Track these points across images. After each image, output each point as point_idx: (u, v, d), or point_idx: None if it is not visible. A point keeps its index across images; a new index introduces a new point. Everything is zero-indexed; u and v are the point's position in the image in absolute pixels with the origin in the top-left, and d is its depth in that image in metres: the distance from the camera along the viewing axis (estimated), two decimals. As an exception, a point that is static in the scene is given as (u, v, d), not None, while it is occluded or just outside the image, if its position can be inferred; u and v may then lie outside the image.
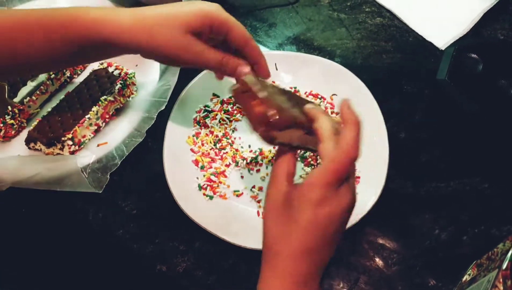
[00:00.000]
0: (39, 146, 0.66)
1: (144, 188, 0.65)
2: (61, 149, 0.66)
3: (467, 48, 0.67)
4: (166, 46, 0.50)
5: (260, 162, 0.66)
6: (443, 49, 0.75)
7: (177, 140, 0.67)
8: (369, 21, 0.80)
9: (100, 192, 0.63)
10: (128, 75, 0.70)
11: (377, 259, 0.59)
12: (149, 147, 0.67)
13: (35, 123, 0.67)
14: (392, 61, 0.75)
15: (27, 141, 0.67)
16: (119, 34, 0.50)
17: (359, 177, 0.63)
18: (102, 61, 0.72)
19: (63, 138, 0.65)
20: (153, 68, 0.73)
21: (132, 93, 0.71)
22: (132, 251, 0.61)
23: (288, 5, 0.83)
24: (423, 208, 0.62)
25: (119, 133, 0.68)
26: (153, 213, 0.64)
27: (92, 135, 0.68)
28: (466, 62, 0.66)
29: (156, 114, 0.66)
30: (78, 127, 0.66)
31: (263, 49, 0.76)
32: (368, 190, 0.61)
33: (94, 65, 0.73)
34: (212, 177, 0.64)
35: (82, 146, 0.67)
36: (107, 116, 0.69)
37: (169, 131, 0.66)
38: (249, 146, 0.67)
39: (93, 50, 0.52)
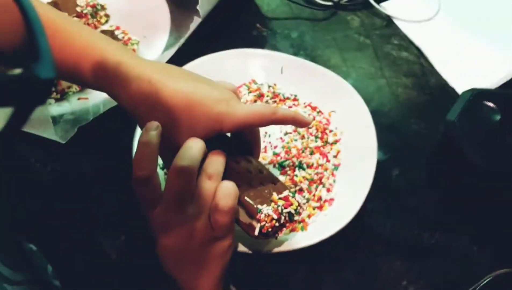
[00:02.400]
0: (23, 86, 0.64)
1: (106, 150, 0.62)
2: (41, 93, 0.63)
3: (486, 95, 0.61)
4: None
5: (235, 158, 0.61)
6: (463, 94, 0.69)
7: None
8: (394, 53, 0.75)
9: (63, 142, 0.60)
10: (130, 41, 0.68)
11: (328, 292, 0.52)
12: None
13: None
14: (406, 97, 0.70)
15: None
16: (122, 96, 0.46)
17: (332, 199, 0.57)
18: (112, 24, 0.71)
19: (45, 82, 0.63)
20: (159, 44, 0.71)
21: (130, 60, 0.69)
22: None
23: (316, 20, 0.80)
24: (396, 254, 0.55)
25: (103, 93, 0.65)
26: (106, 178, 0.60)
27: (78, 90, 0.65)
28: (482, 109, 0.60)
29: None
30: (64, 76, 0.63)
31: (276, 52, 0.74)
32: (337, 213, 0.55)
33: (104, 26, 0.72)
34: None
35: (65, 96, 0.65)
36: (98, 75, 0.66)
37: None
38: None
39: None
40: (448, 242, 0.56)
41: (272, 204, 0.49)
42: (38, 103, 0.26)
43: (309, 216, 0.55)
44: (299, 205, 0.50)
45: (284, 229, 0.51)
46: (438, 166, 0.63)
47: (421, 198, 0.60)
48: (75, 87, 0.65)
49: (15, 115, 0.25)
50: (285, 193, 0.50)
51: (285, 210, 0.49)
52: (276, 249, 0.52)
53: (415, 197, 0.60)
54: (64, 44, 0.46)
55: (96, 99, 0.64)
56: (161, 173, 0.58)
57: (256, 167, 0.51)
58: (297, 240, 0.53)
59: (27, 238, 0.52)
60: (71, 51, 0.46)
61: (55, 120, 0.61)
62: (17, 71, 0.24)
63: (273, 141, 0.63)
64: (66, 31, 0.46)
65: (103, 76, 0.45)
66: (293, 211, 0.50)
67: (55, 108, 0.62)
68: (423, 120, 0.67)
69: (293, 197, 0.50)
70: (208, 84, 0.48)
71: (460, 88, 0.70)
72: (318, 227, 0.54)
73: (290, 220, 0.50)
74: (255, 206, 0.47)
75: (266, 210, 0.48)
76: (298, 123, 0.50)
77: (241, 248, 0.52)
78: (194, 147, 0.44)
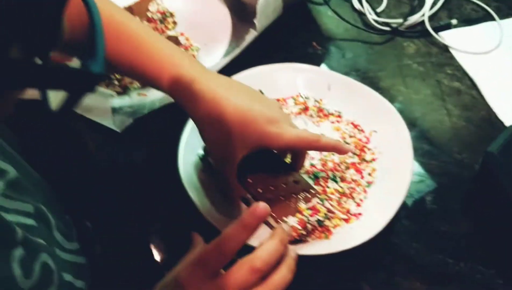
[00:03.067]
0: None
1: (156, 142, 0.67)
2: (107, 86, 0.70)
3: (532, 131, 0.60)
4: (208, 145, 0.54)
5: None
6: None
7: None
8: (445, 82, 0.75)
9: (119, 131, 0.66)
10: (191, 47, 0.74)
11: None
12: (181, 111, 0.69)
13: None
14: (452, 126, 0.70)
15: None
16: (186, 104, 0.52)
17: (360, 214, 0.58)
18: (177, 30, 0.77)
19: (111, 76, 0.69)
20: (218, 52, 0.76)
21: (189, 64, 0.74)
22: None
23: (372, 43, 0.82)
24: (417, 275, 0.56)
25: (160, 92, 0.70)
26: (153, 167, 0.65)
27: (139, 86, 0.72)
28: (525, 144, 0.59)
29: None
30: (129, 73, 0.70)
31: (327, 69, 0.76)
32: (363, 227, 0.56)
33: (171, 32, 0.78)
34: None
35: (126, 91, 0.71)
36: (159, 75, 0.72)
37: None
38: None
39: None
40: (473, 272, 0.55)
41: (298, 214, 0.53)
42: (88, 91, 0.32)
43: (334, 227, 0.57)
44: (328, 211, 0.53)
45: (314, 234, 0.55)
46: (474, 197, 0.62)
47: (452, 226, 0.59)
48: (136, 84, 0.71)
49: (69, 98, 0.31)
50: (314, 201, 0.54)
51: (311, 219, 0.53)
52: (298, 252, 0.54)
53: (446, 224, 0.60)
54: (146, 57, 0.53)
55: (154, 96, 0.69)
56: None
57: (292, 178, 0.56)
58: (319, 247, 0.55)
59: (84, 215, 0.58)
60: (152, 64, 0.53)
61: (115, 111, 0.67)
62: (76, 64, 0.30)
63: (311, 152, 0.65)
64: (148, 43, 0.54)
65: (177, 90, 0.53)
66: (321, 218, 0.53)
67: (116, 101, 0.69)
68: (466, 150, 0.67)
69: (322, 204, 0.53)
70: (262, 102, 0.54)
71: (508, 123, 0.69)
72: (342, 238, 0.56)
73: (319, 225, 0.54)
74: (279, 221, 0.53)
75: (292, 222, 0.53)
76: (339, 151, 0.57)
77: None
78: (272, 252, 0.44)
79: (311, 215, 0.54)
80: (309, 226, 0.54)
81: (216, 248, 0.42)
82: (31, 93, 0.30)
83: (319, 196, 0.56)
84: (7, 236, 0.38)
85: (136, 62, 0.53)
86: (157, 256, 0.59)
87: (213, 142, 0.53)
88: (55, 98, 0.32)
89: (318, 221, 0.55)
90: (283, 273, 0.43)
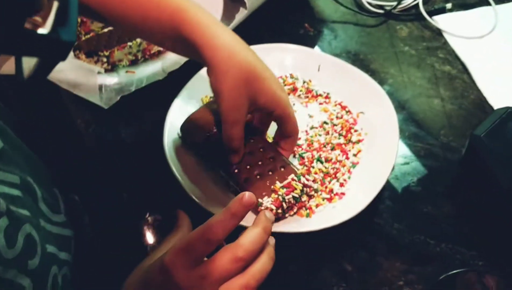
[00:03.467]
0: (81, 55, 0.71)
1: (142, 120, 0.67)
2: (96, 62, 0.70)
3: (519, 114, 0.59)
4: (223, 92, 0.52)
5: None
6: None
7: (194, 94, 0.67)
8: (437, 66, 0.75)
9: (106, 108, 0.66)
10: (182, 25, 0.73)
11: (324, 279, 0.54)
12: (168, 91, 0.69)
13: (89, 36, 0.73)
14: (441, 109, 0.70)
15: (74, 48, 0.72)
16: (204, 51, 0.51)
17: (343, 194, 0.58)
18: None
19: (100, 53, 0.69)
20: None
21: (179, 43, 0.74)
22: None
23: (364, 26, 0.81)
24: (398, 255, 0.56)
25: (149, 69, 0.70)
26: (140, 144, 0.65)
27: (128, 63, 0.72)
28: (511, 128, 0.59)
29: (184, 61, 0.68)
30: (117, 50, 0.70)
31: (317, 50, 0.76)
32: (345, 207, 0.56)
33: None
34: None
35: (115, 68, 0.71)
36: (148, 53, 0.72)
37: (191, 84, 0.68)
38: (256, 127, 0.66)
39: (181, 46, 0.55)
40: (454, 253, 0.55)
41: (273, 194, 0.54)
42: (59, 59, 0.32)
43: (317, 206, 0.57)
44: (304, 185, 0.53)
45: (293, 210, 0.55)
46: (459, 180, 0.62)
47: (435, 207, 0.59)
48: (125, 61, 0.71)
49: (40, 66, 0.31)
50: (290, 178, 0.54)
51: (287, 197, 0.53)
52: (278, 229, 0.54)
53: (429, 206, 0.59)
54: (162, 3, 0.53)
55: (141, 74, 0.69)
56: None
57: (269, 154, 0.56)
58: (300, 224, 0.55)
59: (71, 188, 0.58)
60: (166, 10, 0.52)
61: (102, 88, 0.67)
62: (44, 30, 0.30)
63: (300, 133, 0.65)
64: None
65: (195, 35, 0.51)
66: (297, 195, 0.53)
67: (103, 77, 0.68)
68: (454, 133, 0.67)
69: (298, 180, 0.53)
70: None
71: (498, 107, 0.69)
72: (323, 216, 0.56)
73: (296, 202, 0.54)
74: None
75: (266, 202, 0.53)
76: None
77: (244, 223, 0.54)
78: (255, 241, 0.44)
79: (286, 194, 0.54)
80: (284, 205, 0.54)
81: (202, 235, 0.42)
82: (7, 69, 0.30)
83: (297, 171, 0.56)
84: None
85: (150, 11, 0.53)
86: (143, 236, 0.59)
87: (226, 90, 0.52)
88: (29, 68, 0.32)
89: (294, 197, 0.54)
90: (264, 262, 0.43)
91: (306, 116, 0.67)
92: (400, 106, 0.70)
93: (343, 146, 0.63)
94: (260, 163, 0.57)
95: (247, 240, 0.43)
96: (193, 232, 0.42)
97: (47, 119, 0.68)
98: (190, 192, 0.57)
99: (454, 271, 0.37)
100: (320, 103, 0.69)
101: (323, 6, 0.84)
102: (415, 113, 0.69)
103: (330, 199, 0.58)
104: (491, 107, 0.69)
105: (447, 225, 0.58)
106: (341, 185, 0.60)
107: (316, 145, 0.64)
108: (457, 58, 0.76)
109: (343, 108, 0.67)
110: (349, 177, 0.60)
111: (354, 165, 0.62)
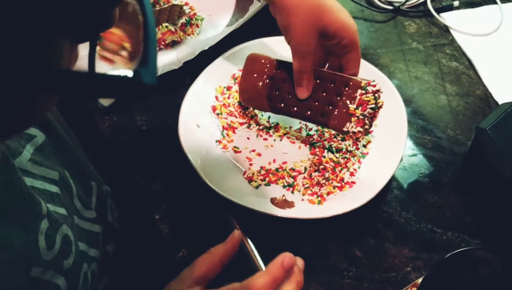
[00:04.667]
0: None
1: (158, 109, 0.69)
2: (111, 52, 0.72)
3: (524, 109, 0.62)
4: (293, 27, 0.54)
5: (271, 133, 0.66)
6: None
7: (209, 84, 0.69)
8: (444, 62, 0.77)
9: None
10: (195, 16, 0.75)
11: (334, 264, 0.56)
12: (182, 80, 0.71)
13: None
14: (448, 103, 0.72)
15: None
16: None
17: (354, 183, 0.60)
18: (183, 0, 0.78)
19: (116, 43, 0.71)
20: (221, 22, 0.77)
21: (193, 34, 0.76)
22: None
23: (373, 21, 0.83)
24: (406, 242, 0.58)
25: (164, 59, 0.72)
26: (156, 132, 0.67)
27: (142, 53, 0.73)
28: (516, 122, 0.61)
29: (198, 52, 0.70)
30: (132, 39, 0.71)
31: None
32: (355, 195, 0.58)
33: (176, 1, 0.79)
34: (223, 126, 0.66)
35: (130, 58, 0.72)
36: (163, 43, 0.74)
37: (205, 74, 0.69)
38: (269, 117, 0.68)
39: None
40: (459, 241, 0.58)
41: (352, 118, 0.56)
42: (139, 99, 0.31)
43: (328, 193, 0.59)
44: (373, 93, 0.56)
45: (376, 118, 0.59)
46: (465, 171, 0.64)
47: (442, 198, 0.61)
48: (141, 51, 0.73)
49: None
50: (358, 94, 0.56)
51: (365, 113, 0.56)
52: (290, 215, 0.56)
53: (436, 196, 0.62)
54: None
55: (157, 63, 0.71)
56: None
57: (327, 83, 0.58)
58: (312, 211, 0.57)
59: (104, 179, 0.60)
60: None
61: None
62: (126, 74, 0.27)
63: (309, 124, 0.67)
64: None
65: None
66: (373, 105, 0.56)
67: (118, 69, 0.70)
68: (460, 127, 0.69)
69: (366, 92, 0.55)
70: None
71: (502, 102, 0.71)
72: (334, 204, 0.58)
73: (376, 110, 0.57)
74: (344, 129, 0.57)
75: (351, 128, 0.56)
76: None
77: (260, 209, 0.56)
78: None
79: (362, 110, 0.56)
80: (367, 121, 0.57)
81: None
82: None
83: (360, 82, 0.56)
84: (36, 208, 0.38)
85: None
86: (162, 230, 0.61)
87: (296, 25, 0.54)
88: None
89: (372, 108, 0.56)
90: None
91: (317, 108, 0.69)
92: (407, 100, 0.72)
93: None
94: (324, 94, 0.58)
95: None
96: None
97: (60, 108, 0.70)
98: (206, 179, 0.59)
99: (458, 250, 0.39)
100: (331, 95, 0.71)
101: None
102: (422, 107, 0.71)
103: (341, 188, 0.60)
104: (496, 102, 0.71)
105: (452, 215, 0.60)
106: (352, 174, 0.62)
107: (327, 135, 0.66)
108: (463, 54, 0.78)
109: (353, 100, 0.69)
110: (359, 167, 0.62)
111: (364, 155, 0.64)
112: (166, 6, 0.76)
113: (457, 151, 0.66)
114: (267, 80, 0.62)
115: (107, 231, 0.54)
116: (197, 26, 0.76)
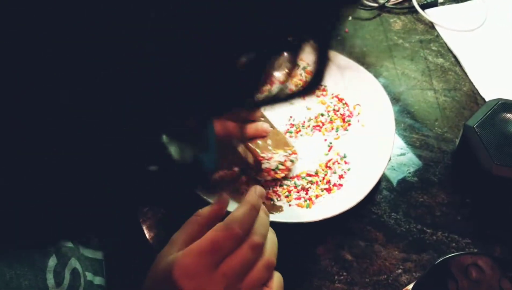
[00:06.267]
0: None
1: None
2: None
3: (511, 106, 0.61)
4: None
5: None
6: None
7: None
8: (430, 59, 0.77)
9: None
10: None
11: (325, 268, 0.55)
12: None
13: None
14: (435, 100, 0.71)
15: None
16: None
17: (341, 185, 0.60)
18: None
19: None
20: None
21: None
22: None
23: (358, 19, 0.82)
24: (396, 243, 0.57)
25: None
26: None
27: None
28: (503, 119, 0.60)
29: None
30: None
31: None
32: (344, 197, 0.57)
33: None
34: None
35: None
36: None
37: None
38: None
39: None
40: (449, 241, 0.57)
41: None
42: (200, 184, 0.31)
43: (316, 197, 0.58)
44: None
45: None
46: (454, 169, 0.64)
47: (431, 197, 0.61)
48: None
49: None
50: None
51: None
52: (278, 220, 0.55)
53: (425, 195, 0.61)
54: None
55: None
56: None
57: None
58: (300, 215, 0.56)
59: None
60: None
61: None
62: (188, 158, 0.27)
63: (296, 125, 0.66)
64: None
65: None
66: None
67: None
68: (447, 125, 0.68)
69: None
70: None
71: (489, 98, 0.70)
72: (323, 207, 0.57)
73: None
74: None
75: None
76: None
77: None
78: (266, 222, 0.44)
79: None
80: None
81: (231, 232, 0.39)
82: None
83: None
84: (44, 245, 0.37)
85: None
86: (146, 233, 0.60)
87: None
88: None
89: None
90: (270, 236, 0.44)
91: (304, 109, 0.68)
92: (395, 98, 0.71)
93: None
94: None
95: (260, 227, 0.42)
96: (215, 231, 0.40)
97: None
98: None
99: (449, 255, 0.39)
100: (317, 96, 0.70)
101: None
102: (409, 105, 0.71)
103: (329, 190, 0.59)
104: (483, 98, 0.71)
105: (442, 214, 0.60)
106: (340, 176, 0.61)
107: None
108: (449, 50, 0.78)
109: (340, 100, 0.69)
110: (347, 169, 0.62)
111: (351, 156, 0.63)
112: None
113: (445, 149, 0.66)
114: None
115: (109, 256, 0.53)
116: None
